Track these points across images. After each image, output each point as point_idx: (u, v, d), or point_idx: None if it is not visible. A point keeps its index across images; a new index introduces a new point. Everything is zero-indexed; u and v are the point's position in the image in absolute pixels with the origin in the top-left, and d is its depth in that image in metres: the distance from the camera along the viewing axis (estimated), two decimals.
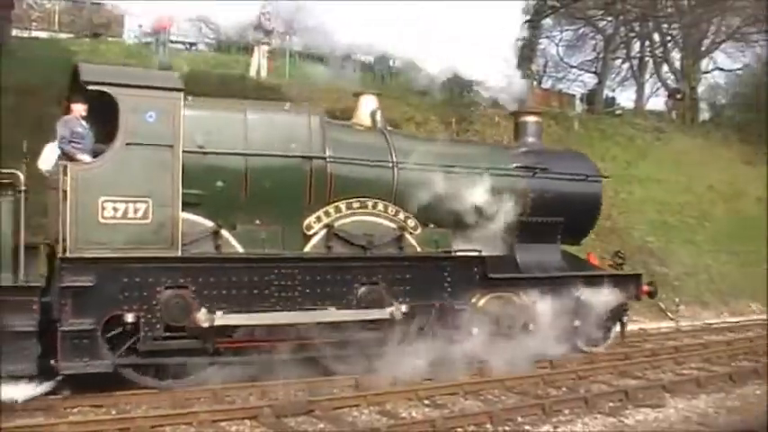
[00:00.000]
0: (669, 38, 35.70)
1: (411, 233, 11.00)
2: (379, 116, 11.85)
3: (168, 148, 9.24)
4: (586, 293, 12.01)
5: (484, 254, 11.29)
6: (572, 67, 40.23)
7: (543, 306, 11.51)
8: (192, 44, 26.34)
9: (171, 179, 9.23)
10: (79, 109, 9.35)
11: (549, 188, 12.46)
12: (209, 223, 9.69)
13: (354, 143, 11.11)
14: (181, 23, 25.39)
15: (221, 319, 9.30)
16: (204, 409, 8.62)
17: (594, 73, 38.69)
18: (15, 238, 8.69)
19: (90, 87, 9.07)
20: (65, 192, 8.73)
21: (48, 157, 9.35)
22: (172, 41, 23.76)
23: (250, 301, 9.61)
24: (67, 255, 8.72)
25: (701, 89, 36.95)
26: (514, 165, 12.33)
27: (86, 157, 9.07)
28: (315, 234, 10.41)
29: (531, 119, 13.41)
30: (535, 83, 31.11)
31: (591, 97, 32.43)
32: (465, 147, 13.92)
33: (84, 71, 9.28)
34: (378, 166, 11.01)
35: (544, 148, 13.53)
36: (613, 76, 38.51)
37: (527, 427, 8.54)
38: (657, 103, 38.26)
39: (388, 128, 11.98)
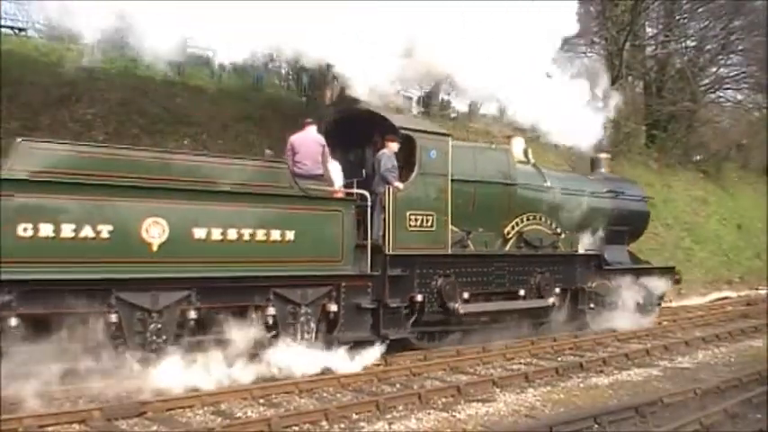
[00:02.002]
0: None
1: (559, 237, 15.28)
2: (530, 153, 15.95)
3: (443, 176, 12.82)
4: (646, 280, 16.79)
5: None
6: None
7: (625, 288, 16.20)
8: (20, 29, 24.91)
9: (445, 199, 12.79)
10: (394, 147, 12.22)
11: (622, 206, 17.27)
12: (457, 230, 13.32)
13: (524, 173, 15.17)
14: (7, 5, 23.96)
15: (467, 307, 13.12)
16: (29, 414, 8.21)
17: None
18: (353, 240, 11.42)
19: (402, 132, 12.39)
20: (387, 207, 11.98)
21: (337, 176, 12.14)
22: None
23: (481, 285, 13.59)
24: (390, 252, 11.91)
25: None
26: (605, 189, 17.05)
27: (400, 185, 12.11)
28: (511, 238, 14.48)
29: (603, 156, 18.63)
30: None
31: (427, 100, 33.03)
32: (577, 177, 17.78)
33: (397, 120, 12.74)
34: (539, 191, 15.25)
35: (611, 176, 18.47)
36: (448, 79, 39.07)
37: (362, 424, 8.65)
38: (491, 108, 39.16)
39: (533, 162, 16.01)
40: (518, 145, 15.80)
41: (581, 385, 11.08)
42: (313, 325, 11.03)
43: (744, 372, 11.68)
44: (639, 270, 17.10)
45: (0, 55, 16.80)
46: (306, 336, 10.90)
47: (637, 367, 12.43)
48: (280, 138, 21.08)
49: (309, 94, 23.55)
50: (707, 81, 39.49)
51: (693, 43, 38.09)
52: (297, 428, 8.41)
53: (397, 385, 10.65)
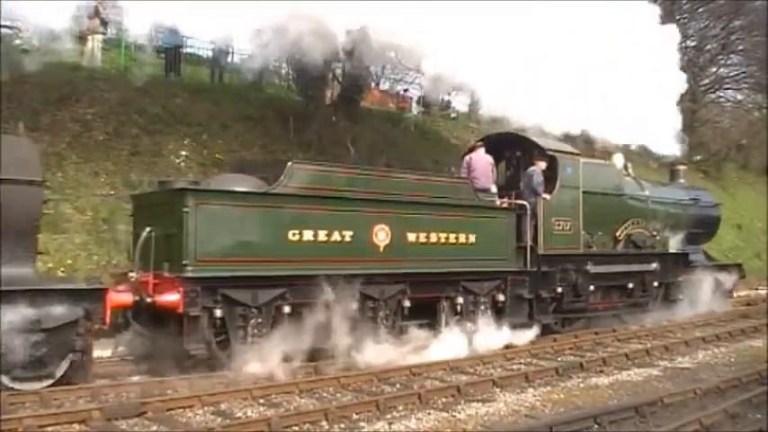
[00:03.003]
0: None
1: (655, 239, 17.72)
2: (630, 168, 18.48)
3: (576, 189, 15.32)
4: (719, 275, 19.76)
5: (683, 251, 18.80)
6: (409, 69, 40.72)
7: (704, 282, 18.97)
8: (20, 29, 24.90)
9: (578, 207, 15.27)
10: (542, 165, 14.53)
11: (699, 211, 20.04)
12: (584, 233, 15.70)
13: (629, 184, 17.81)
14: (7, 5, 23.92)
15: (595, 296, 15.99)
16: (29, 414, 8.24)
17: None
18: (514, 242, 13.96)
19: (549, 153, 14.84)
20: (538, 214, 14.33)
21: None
22: None
23: (603, 278, 16.06)
24: (542, 252, 14.38)
25: None
26: (688, 197, 19.90)
27: (547, 196, 14.51)
28: (621, 239, 17.09)
29: (682, 167, 21.28)
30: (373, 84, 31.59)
31: (428, 100, 33.04)
32: (664, 186, 20.15)
33: (543, 143, 15.07)
34: (640, 199, 17.92)
35: (689, 185, 21.18)
36: None
37: (362, 424, 8.64)
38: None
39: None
40: (619, 160, 18.17)
41: (581, 385, 11.08)
42: (489, 312, 13.53)
43: (744, 372, 11.67)
44: (715, 266, 20.25)
45: (0, 56, 16.80)
46: (483, 320, 13.38)
47: (637, 367, 12.41)
48: (278, 137, 21.24)
49: (310, 95, 23.55)
50: (707, 81, 39.51)
51: (693, 43, 38.10)
52: (297, 428, 8.39)
53: (397, 385, 10.65)
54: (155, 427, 8.27)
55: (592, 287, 15.66)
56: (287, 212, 11.01)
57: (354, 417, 8.89)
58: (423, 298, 12.64)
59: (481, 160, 14.36)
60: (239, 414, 8.88)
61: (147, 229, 10.61)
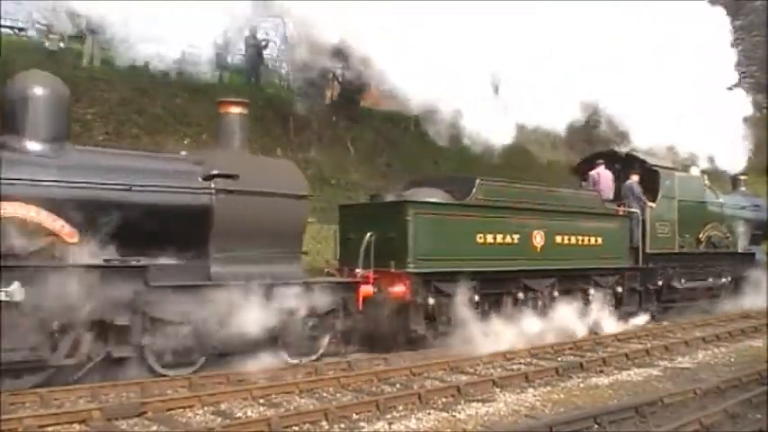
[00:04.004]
0: None
1: (728, 240, 20.55)
2: (706, 178, 20.56)
3: (673, 198, 18.31)
4: None
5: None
6: None
7: (763, 277, 21.03)
8: (20, 29, 24.90)
9: (674, 214, 18.28)
10: (636, 178, 17.42)
11: (760, 216, 22.54)
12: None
13: (708, 193, 20.34)
14: (7, 5, 23.94)
15: (686, 286, 18.81)
16: (29, 414, 8.23)
17: None
18: (627, 243, 16.93)
19: (653, 167, 18.01)
20: (645, 221, 17.19)
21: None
22: None
23: (690, 274, 18.92)
24: (649, 251, 17.31)
25: None
26: (751, 204, 22.55)
27: (653, 204, 17.53)
28: (702, 241, 19.73)
29: (743, 177, 23.52)
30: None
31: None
32: (732, 194, 22.64)
33: (650, 159, 18.16)
34: (716, 206, 20.52)
35: (747, 193, 23.46)
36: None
37: (362, 424, 8.63)
38: None
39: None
40: (695, 172, 20.40)
41: (581, 385, 11.07)
42: (612, 301, 16.32)
43: (744, 372, 11.67)
44: None
45: (0, 55, 16.82)
46: (608, 309, 16.04)
47: (637, 367, 12.41)
48: (278, 137, 21.26)
49: (309, 94, 23.57)
50: None
51: None
52: (297, 428, 8.38)
53: (397, 385, 10.64)
54: (155, 427, 8.27)
55: (683, 281, 18.53)
56: (476, 220, 13.80)
57: (354, 417, 8.88)
58: (566, 290, 15.37)
59: (604, 175, 17.69)
60: (239, 414, 8.87)
61: (369, 234, 12.74)
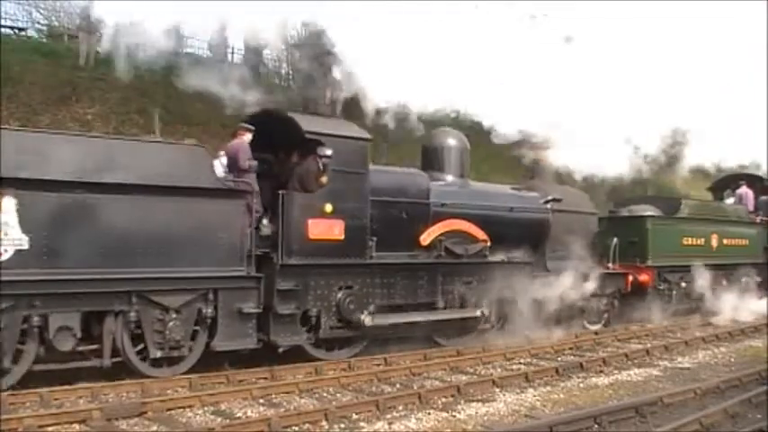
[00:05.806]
0: None
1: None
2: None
3: None
4: None
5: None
6: None
7: None
8: (20, 29, 24.85)
9: None
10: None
11: None
12: None
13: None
14: (7, 5, 23.93)
15: None
16: (29, 414, 8.24)
17: None
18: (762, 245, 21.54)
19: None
20: None
21: None
22: None
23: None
24: None
25: None
26: None
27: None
28: None
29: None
30: None
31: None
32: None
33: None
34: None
35: None
36: None
37: (362, 424, 8.64)
38: None
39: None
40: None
41: (581, 385, 11.08)
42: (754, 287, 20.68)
43: (744, 372, 11.68)
44: None
45: (0, 55, 16.82)
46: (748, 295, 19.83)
47: (637, 367, 12.43)
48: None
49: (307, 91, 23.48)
50: None
51: None
52: (297, 428, 8.39)
53: (397, 385, 10.65)
54: (155, 427, 8.27)
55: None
56: (684, 228, 18.71)
57: (354, 417, 8.88)
58: (725, 279, 19.46)
59: (746, 193, 21.85)
60: (239, 414, 8.88)
61: (615, 239, 16.74)
